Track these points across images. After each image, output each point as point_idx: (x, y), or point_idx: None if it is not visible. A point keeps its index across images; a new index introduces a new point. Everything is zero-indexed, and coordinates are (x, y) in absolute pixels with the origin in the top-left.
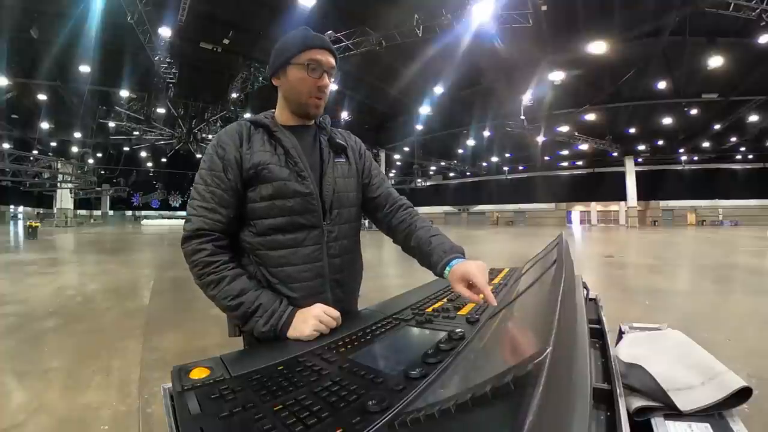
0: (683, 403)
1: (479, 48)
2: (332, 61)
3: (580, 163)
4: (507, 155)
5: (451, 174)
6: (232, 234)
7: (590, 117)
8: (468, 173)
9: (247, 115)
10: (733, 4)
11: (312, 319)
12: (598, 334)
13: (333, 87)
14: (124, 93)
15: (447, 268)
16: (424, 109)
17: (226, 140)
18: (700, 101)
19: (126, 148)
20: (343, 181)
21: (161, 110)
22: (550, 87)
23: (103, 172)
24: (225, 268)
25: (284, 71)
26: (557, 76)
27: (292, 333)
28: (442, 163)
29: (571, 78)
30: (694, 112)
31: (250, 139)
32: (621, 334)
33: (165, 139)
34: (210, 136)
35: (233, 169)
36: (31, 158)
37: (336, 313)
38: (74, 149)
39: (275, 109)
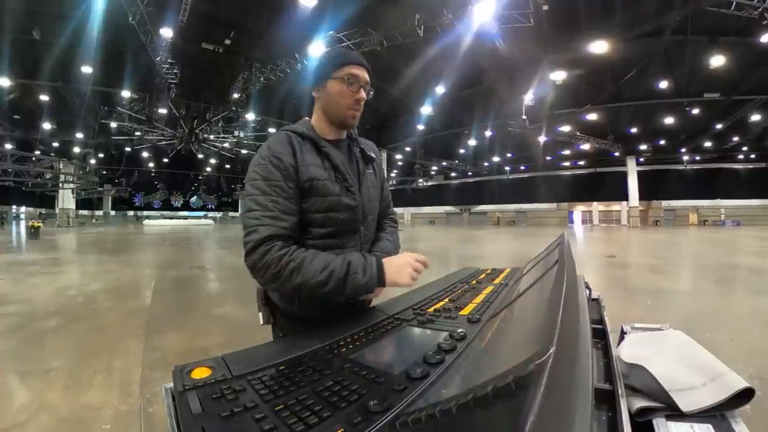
0: (685, 404)
1: (480, 48)
2: (367, 77)
3: (581, 162)
4: (508, 155)
5: (453, 174)
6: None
7: (592, 117)
8: (469, 173)
9: (268, 128)
10: (734, 3)
11: (407, 267)
12: (600, 335)
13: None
14: (126, 93)
15: None
16: (426, 109)
17: (280, 150)
18: (702, 101)
19: (128, 149)
20: (373, 191)
21: (163, 111)
22: (551, 87)
23: (105, 172)
24: (299, 252)
25: (324, 84)
26: (559, 75)
27: (390, 281)
28: (444, 163)
29: (572, 78)
30: (695, 111)
31: (302, 150)
32: (623, 334)
33: (167, 139)
34: (212, 137)
35: (293, 178)
36: (34, 159)
37: (423, 258)
38: (76, 150)
39: (308, 118)
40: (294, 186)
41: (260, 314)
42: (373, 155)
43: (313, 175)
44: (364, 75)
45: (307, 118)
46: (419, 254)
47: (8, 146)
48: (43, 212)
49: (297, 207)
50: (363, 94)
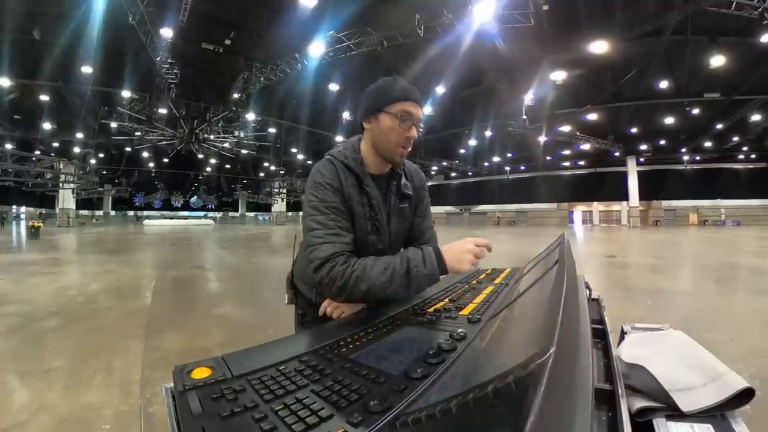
0: (685, 404)
1: (480, 48)
2: (421, 114)
3: (581, 162)
4: (509, 155)
5: (453, 174)
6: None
7: (592, 117)
8: (470, 173)
9: (337, 148)
10: (734, 3)
11: (466, 254)
12: (600, 335)
13: (335, 88)
14: (126, 93)
15: None
16: (426, 109)
17: (331, 177)
18: (702, 101)
19: (128, 149)
20: (402, 224)
21: (163, 111)
22: (551, 87)
23: (105, 172)
24: (360, 261)
25: (376, 117)
26: (559, 75)
27: (450, 268)
28: (444, 163)
29: (572, 78)
30: (695, 111)
31: (347, 182)
32: (623, 334)
33: (167, 139)
34: (212, 137)
35: (344, 202)
36: (34, 159)
37: (485, 242)
38: (76, 150)
39: (359, 139)
40: (347, 208)
41: (286, 295)
42: (409, 192)
43: (354, 209)
44: (418, 112)
45: (357, 140)
46: (480, 238)
47: (8, 146)
48: (44, 212)
49: (351, 225)
50: (414, 132)
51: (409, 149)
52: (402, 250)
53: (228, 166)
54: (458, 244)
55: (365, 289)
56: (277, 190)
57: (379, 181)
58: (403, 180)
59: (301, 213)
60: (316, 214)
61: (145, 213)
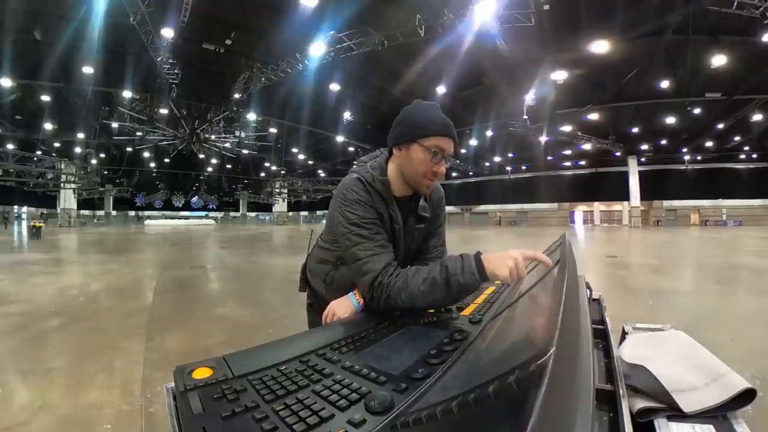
0: (686, 405)
1: (481, 48)
2: (452, 149)
3: (582, 162)
4: (510, 155)
5: (454, 174)
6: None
7: (593, 116)
8: (471, 173)
9: (362, 168)
10: (736, 3)
11: (508, 261)
12: (601, 335)
13: (336, 88)
14: (127, 94)
15: None
16: None
17: (363, 195)
18: (704, 100)
19: (129, 149)
20: (414, 243)
21: (164, 111)
22: (552, 86)
23: (106, 172)
24: (402, 272)
25: (408, 146)
26: (560, 75)
27: (490, 274)
28: None
29: (573, 77)
30: (697, 111)
31: (373, 203)
32: (624, 334)
33: (168, 139)
34: (213, 137)
35: (378, 216)
36: (35, 159)
37: (533, 254)
38: (77, 150)
39: (385, 164)
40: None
41: (299, 283)
42: (427, 215)
43: None
44: (450, 147)
45: (384, 160)
46: (532, 251)
47: (10, 146)
48: (45, 212)
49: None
50: (443, 168)
51: (435, 182)
52: (444, 258)
53: (229, 166)
54: (504, 252)
55: (406, 299)
56: (278, 190)
57: (402, 203)
58: (422, 202)
59: (302, 213)
60: (358, 229)
61: (146, 213)
